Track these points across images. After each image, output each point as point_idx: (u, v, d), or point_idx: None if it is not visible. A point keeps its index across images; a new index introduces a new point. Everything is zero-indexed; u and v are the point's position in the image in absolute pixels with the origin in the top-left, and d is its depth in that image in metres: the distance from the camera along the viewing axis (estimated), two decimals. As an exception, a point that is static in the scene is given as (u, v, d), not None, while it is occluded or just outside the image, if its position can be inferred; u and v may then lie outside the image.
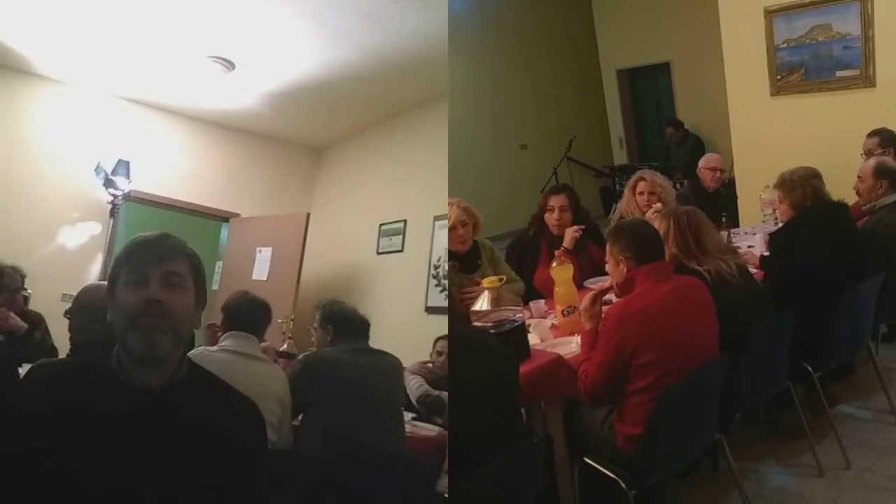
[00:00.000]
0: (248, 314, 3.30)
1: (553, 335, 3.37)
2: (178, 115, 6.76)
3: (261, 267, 6.48)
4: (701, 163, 5.64)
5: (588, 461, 2.85)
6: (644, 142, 11.40)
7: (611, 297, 3.72)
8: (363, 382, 3.29)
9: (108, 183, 6.18)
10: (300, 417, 3.31)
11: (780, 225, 4.25)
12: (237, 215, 7.13)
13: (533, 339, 3.19)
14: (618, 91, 11.12)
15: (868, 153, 4.99)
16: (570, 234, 4.17)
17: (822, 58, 6.04)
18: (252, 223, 6.95)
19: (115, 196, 6.28)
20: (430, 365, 4.03)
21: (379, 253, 6.34)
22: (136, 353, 1.62)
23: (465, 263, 3.83)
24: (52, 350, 3.98)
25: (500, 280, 3.01)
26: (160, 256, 1.68)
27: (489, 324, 2.84)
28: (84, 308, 2.79)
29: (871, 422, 3.90)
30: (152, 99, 6.47)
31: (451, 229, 3.83)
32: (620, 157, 11.27)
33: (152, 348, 1.62)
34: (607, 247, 2.99)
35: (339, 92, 5.93)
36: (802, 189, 3.84)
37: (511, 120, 10.44)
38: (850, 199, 4.36)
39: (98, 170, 6.16)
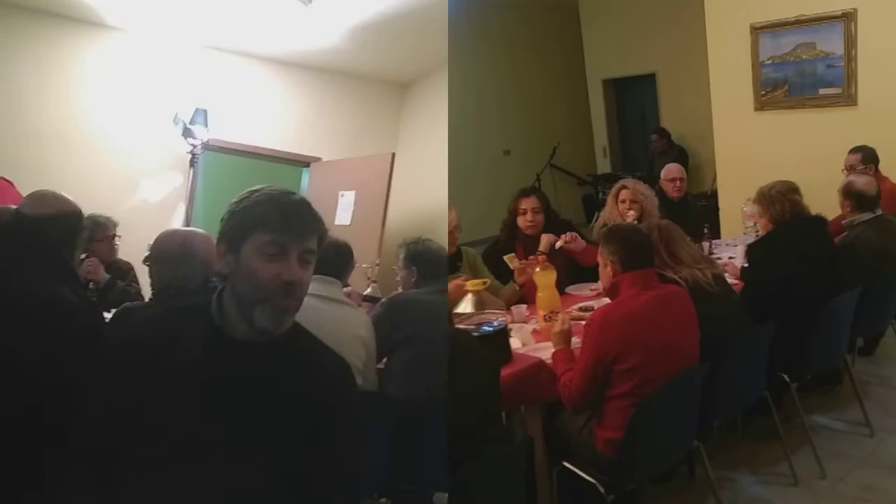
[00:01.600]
0: (331, 258, 3.15)
1: (535, 340, 3.38)
2: (255, 58, 6.58)
3: (344, 211, 6.30)
4: (662, 175, 5.68)
5: (567, 465, 2.88)
6: (627, 151, 11.45)
7: (591, 304, 3.78)
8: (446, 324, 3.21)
9: (187, 132, 6.10)
10: (384, 360, 3.30)
11: (759, 238, 4.30)
12: (318, 159, 6.92)
13: (514, 343, 3.20)
14: (603, 100, 11.16)
15: (850, 169, 5.06)
16: (546, 239, 4.18)
17: (805, 75, 6.13)
18: (334, 167, 6.74)
19: (193, 146, 6.20)
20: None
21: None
22: (261, 327, 1.60)
23: (450, 266, 3.84)
24: (138, 298, 4.05)
25: (484, 283, 3.04)
26: (303, 231, 1.63)
27: (472, 326, 2.86)
28: (160, 255, 2.75)
29: (847, 433, 3.94)
30: (228, 43, 6.30)
31: (450, 233, 3.84)
32: (604, 165, 11.31)
33: (279, 326, 1.61)
34: (599, 249, 3.03)
35: (425, 18, 5.57)
36: (781, 204, 3.89)
37: (496, 125, 10.46)
38: (832, 214, 4.40)
39: (176, 120, 6.10)
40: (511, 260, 3.86)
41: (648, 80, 10.55)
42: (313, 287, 2.94)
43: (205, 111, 6.13)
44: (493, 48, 10.46)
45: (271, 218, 1.61)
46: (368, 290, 4.42)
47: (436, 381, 3.00)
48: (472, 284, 3.02)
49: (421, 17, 5.59)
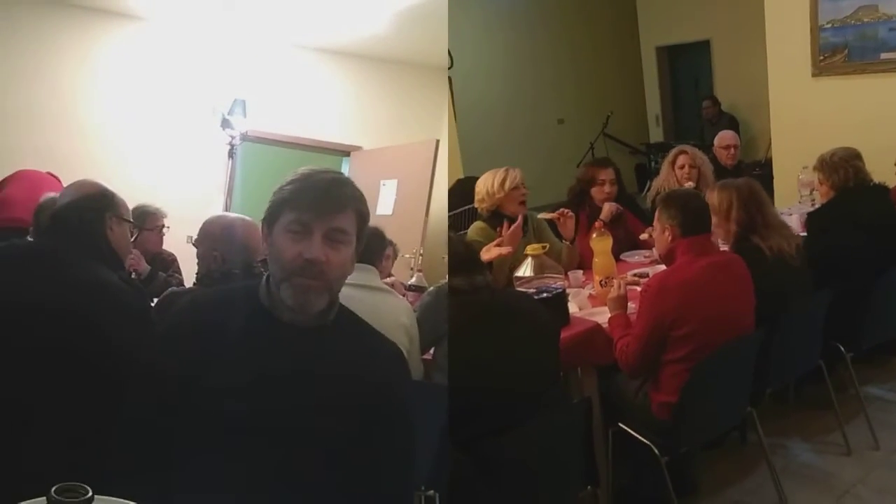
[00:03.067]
0: (365, 245, 3.20)
1: (591, 305, 3.43)
2: (294, 46, 6.48)
3: (385, 200, 6.16)
4: (715, 142, 5.64)
5: (622, 427, 2.93)
6: (680, 120, 11.32)
7: (646, 270, 3.80)
8: None
9: (225, 123, 6.12)
10: (432, 351, 3.29)
11: (818, 206, 4.25)
12: (359, 148, 6.81)
13: (571, 307, 3.24)
14: (656, 68, 11.04)
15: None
16: (609, 208, 4.21)
17: (866, 39, 5.98)
18: (374, 155, 6.62)
19: (232, 137, 6.21)
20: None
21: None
22: (288, 306, 1.60)
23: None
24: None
25: (544, 248, 3.08)
26: (329, 209, 1.60)
27: (532, 290, 2.91)
28: (203, 238, 2.85)
29: (901, 404, 3.91)
30: (265, 33, 6.20)
31: (514, 189, 3.86)
32: (656, 134, 11.20)
33: (304, 307, 1.59)
34: (656, 213, 3.04)
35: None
36: (845, 170, 3.84)
37: (550, 94, 10.41)
38: (892, 183, 4.34)
39: (214, 111, 6.12)
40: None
41: (703, 47, 10.40)
42: (355, 275, 2.99)
43: (243, 101, 6.12)
44: (547, 16, 10.38)
45: (296, 196, 1.61)
46: (413, 279, 4.38)
47: None
48: (531, 248, 3.07)
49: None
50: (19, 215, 3.88)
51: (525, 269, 2.99)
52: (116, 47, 5.99)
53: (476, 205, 4.11)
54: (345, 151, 6.85)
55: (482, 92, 9.54)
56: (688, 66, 10.97)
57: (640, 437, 2.84)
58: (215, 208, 6.09)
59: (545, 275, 2.95)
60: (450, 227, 3.54)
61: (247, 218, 2.88)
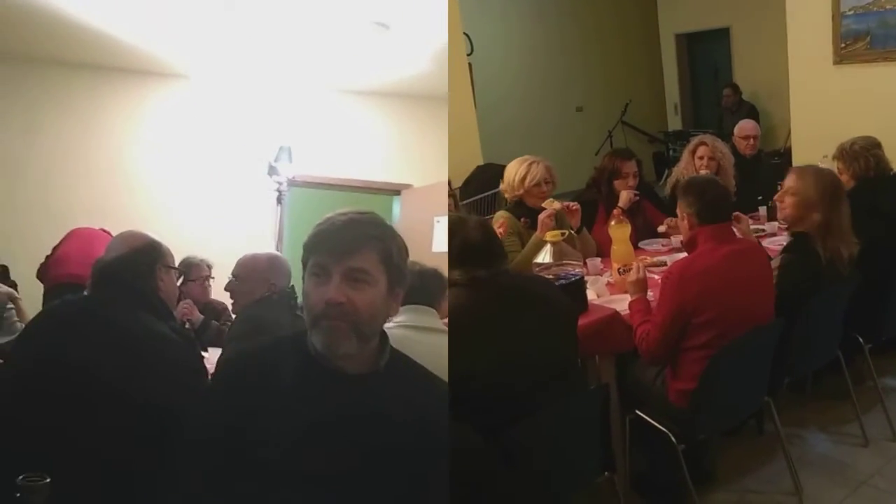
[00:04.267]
0: (417, 286, 3.02)
1: (609, 292, 3.43)
2: (336, 90, 6.52)
3: (440, 238, 5.81)
4: (735, 132, 5.59)
5: (639, 414, 2.93)
6: (699, 108, 11.26)
7: (664, 258, 3.79)
8: None
9: (271, 171, 6.16)
10: None
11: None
12: (409, 186, 6.72)
13: (589, 294, 3.24)
14: (675, 56, 10.98)
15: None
16: (627, 196, 4.20)
17: (889, 26, 5.90)
18: (426, 192, 6.45)
19: (279, 183, 6.25)
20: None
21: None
22: (320, 350, 1.61)
23: (536, 221, 3.87)
24: None
25: (562, 234, 3.07)
26: (343, 250, 1.60)
27: (550, 276, 2.91)
28: (252, 272, 3.08)
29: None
30: (307, 78, 6.25)
31: (535, 186, 3.86)
32: (675, 122, 11.15)
33: (332, 349, 1.60)
34: (678, 202, 3.03)
35: None
36: (865, 159, 3.83)
37: (569, 82, 10.39)
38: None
39: (260, 159, 6.16)
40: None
41: (722, 34, 10.32)
42: (405, 318, 2.89)
43: (288, 148, 6.13)
44: (567, 3, 10.34)
45: (315, 240, 1.64)
46: None
47: None
48: (550, 235, 3.06)
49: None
50: (75, 271, 4.02)
51: (544, 256, 2.98)
52: (162, 105, 6.15)
53: (502, 190, 4.13)
54: (395, 190, 6.79)
55: (501, 79, 9.52)
56: (707, 53, 10.89)
57: (657, 425, 2.85)
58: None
59: (564, 261, 2.95)
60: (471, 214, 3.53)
61: (270, 252, 3.15)
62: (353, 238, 1.61)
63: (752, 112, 8.87)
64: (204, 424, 1.66)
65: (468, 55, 7.42)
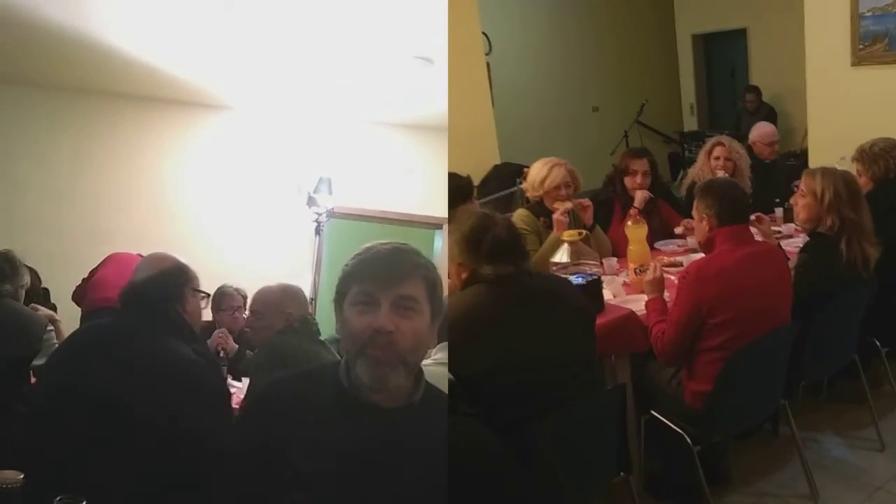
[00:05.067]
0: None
1: (625, 292, 3.42)
2: (378, 123, 6.51)
3: None
4: (756, 137, 5.48)
5: (655, 414, 2.93)
6: (714, 110, 11.22)
7: (680, 259, 3.78)
8: None
9: (311, 202, 6.14)
10: None
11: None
12: None
13: (606, 294, 3.24)
14: (692, 56, 10.93)
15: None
16: (642, 195, 4.19)
17: (908, 28, 5.89)
18: None
19: (318, 214, 6.21)
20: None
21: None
22: (365, 383, 1.55)
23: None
24: None
25: (580, 234, 3.07)
26: (392, 277, 1.56)
27: (568, 275, 2.91)
28: (269, 304, 3.08)
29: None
30: (349, 111, 6.25)
31: (555, 188, 3.87)
32: (690, 123, 11.10)
33: (380, 381, 1.55)
34: (695, 202, 3.02)
35: None
36: (885, 161, 3.80)
37: (585, 82, 10.36)
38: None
39: (300, 190, 6.16)
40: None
41: (739, 35, 10.28)
42: (442, 356, 2.73)
43: (328, 179, 6.11)
44: (583, 3, 10.31)
45: (359, 269, 1.59)
46: None
47: None
48: (567, 235, 3.07)
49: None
50: (111, 294, 3.97)
51: (562, 255, 2.99)
52: (205, 135, 6.20)
53: (524, 189, 4.16)
54: (437, 224, 6.59)
55: (519, 78, 9.50)
56: (724, 54, 10.85)
57: (672, 426, 2.84)
58: (304, 285, 5.97)
59: (581, 261, 2.95)
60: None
61: (283, 284, 3.16)
62: (401, 265, 1.59)
63: (771, 114, 8.83)
64: (235, 451, 1.64)
65: (486, 54, 7.40)
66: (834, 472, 3.33)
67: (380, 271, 1.57)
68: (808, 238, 3.35)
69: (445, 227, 6.40)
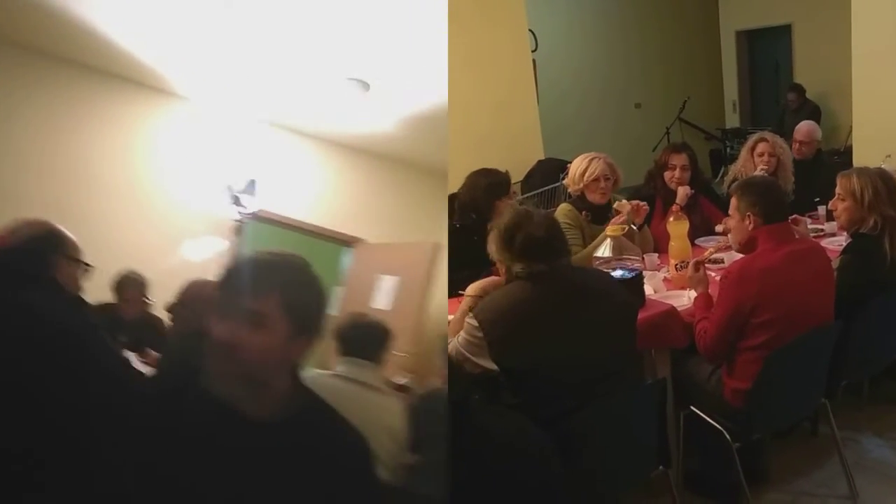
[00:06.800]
0: (364, 338, 3.09)
1: (666, 288, 3.43)
2: (312, 137, 6.65)
3: (383, 295, 6.12)
4: (801, 136, 5.34)
5: (695, 410, 2.94)
6: (757, 106, 11.12)
7: (722, 256, 3.77)
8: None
9: (236, 201, 6.20)
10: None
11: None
12: (362, 240, 6.83)
13: (646, 290, 3.24)
14: (735, 53, 10.85)
15: None
16: (684, 192, 4.19)
17: (957, 22, 5.79)
18: (376, 249, 6.64)
19: (241, 214, 6.27)
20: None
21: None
22: (213, 393, 1.51)
23: (597, 215, 3.92)
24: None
25: (623, 229, 3.08)
26: (246, 289, 1.52)
27: (610, 270, 2.93)
28: (182, 303, 3.05)
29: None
30: (285, 120, 6.39)
31: (594, 181, 3.90)
32: (732, 120, 11.03)
33: (229, 396, 1.51)
34: (733, 201, 3.00)
35: None
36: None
37: (628, 78, 10.35)
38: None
39: (226, 188, 6.20)
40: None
41: (783, 32, 10.17)
42: (344, 369, 2.90)
43: (255, 182, 6.19)
44: (628, 1, 10.31)
45: (227, 275, 1.56)
46: (405, 380, 4.35)
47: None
48: (611, 230, 3.08)
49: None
50: None
51: (604, 250, 3.00)
52: (142, 115, 6.08)
53: (566, 184, 4.18)
54: (348, 242, 6.89)
55: (562, 74, 9.55)
56: (767, 50, 10.74)
57: (712, 422, 2.85)
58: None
59: (623, 256, 2.97)
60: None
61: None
62: (255, 278, 1.54)
63: (816, 111, 8.73)
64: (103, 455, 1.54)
65: (533, 51, 7.43)
66: (874, 473, 3.30)
67: (238, 281, 1.54)
68: (849, 238, 3.33)
69: (356, 246, 6.77)
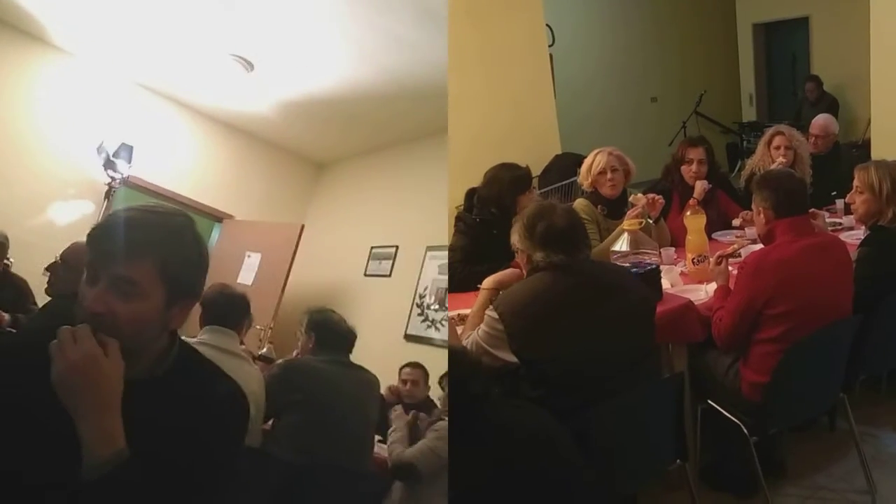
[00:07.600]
0: (227, 308, 3.18)
1: (683, 282, 3.43)
2: (189, 108, 6.67)
3: (248, 271, 6.36)
4: (818, 130, 5.35)
5: (712, 404, 2.94)
6: (774, 100, 11.05)
7: (741, 250, 3.76)
8: (339, 394, 3.29)
9: (109, 164, 6.04)
10: (271, 421, 3.30)
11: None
12: (231, 217, 7.03)
13: (664, 284, 3.23)
14: (752, 46, 10.78)
15: None
16: (701, 186, 4.19)
17: (977, 15, 5.73)
18: (244, 226, 6.85)
19: (113, 179, 6.12)
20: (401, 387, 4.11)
21: (366, 275, 6.28)
22: None
23: (612, 209, 3.93)
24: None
25: (640, 223, 3.09)
26: (116, 253, 1.37)
27: (627, 264, 2.94)
28: (64, 263, 3.02)
29: None
30: (166, 88, 6.37)
31: (601, 173, 3.91)
32: (749, 113, 10.97)
33: None
34: (753, 195, 3.01)
35: (353, 110, 5.85)
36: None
37: (644, 72, 10.33)
38: None
39: (100, 150, 6.02)
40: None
41: (801, 24, 10.10)
42: (207, 337, 3.00)
43: (131, 147, 6.06)
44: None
45: (93, 236, 1.41)
46: (264, 349, 4.44)
47: (322, 448, 3.08)
48: (628, 224, 3.09)
49: (351, 108, 5.81)
50: None
51: (621, 244, 3.01)
52: (17, 64, 5.80)
53: (579, 181, 4.19)
54: (217, 217, 7.02)
55: (580, 69, 9.53)
56: (785, 43, 10.67)
57: (729, 416, 2.86)
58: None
59: (640, 250, 2.97)
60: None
61: None
62: (129, 242, 1.38)
63: (834, 104, 8.67)
64: None
65: (549, 46, 7.42)
66: (892, 468, 3.29)
67: (106, 245, 1.39)
68: (868, 231, 3.32)
69: (226, 221, 6.94)
